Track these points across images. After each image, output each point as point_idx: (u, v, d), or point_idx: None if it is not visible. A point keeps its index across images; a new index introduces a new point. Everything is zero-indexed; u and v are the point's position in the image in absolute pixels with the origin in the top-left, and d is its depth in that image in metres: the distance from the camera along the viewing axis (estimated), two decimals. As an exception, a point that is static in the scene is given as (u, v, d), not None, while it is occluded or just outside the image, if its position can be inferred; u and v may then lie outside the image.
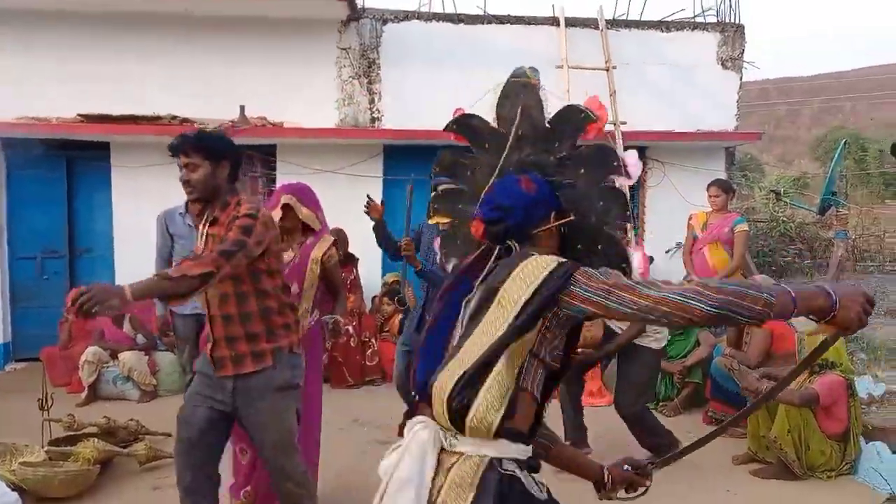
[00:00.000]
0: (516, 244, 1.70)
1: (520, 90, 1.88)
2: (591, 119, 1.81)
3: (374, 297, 7.15)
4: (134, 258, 6.72)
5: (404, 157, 7.57)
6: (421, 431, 1.60)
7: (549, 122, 1.85)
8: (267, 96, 7.35)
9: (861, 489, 3.95)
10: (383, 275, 7.48)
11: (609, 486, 1.84)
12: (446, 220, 2.03)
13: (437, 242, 2.05)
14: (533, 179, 1.76)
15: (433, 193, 2.11)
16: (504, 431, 1.55)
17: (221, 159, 2.78)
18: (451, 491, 1.54)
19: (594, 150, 1.81)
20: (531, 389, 1.62)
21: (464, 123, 1.99)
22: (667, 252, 7.78)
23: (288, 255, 3.54)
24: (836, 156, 6.91)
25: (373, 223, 4.27)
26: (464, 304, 1.68)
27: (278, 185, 7.70)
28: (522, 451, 1.62)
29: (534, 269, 1.57)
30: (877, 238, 14.79)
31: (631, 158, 1.84)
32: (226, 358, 2.76)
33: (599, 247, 1.78)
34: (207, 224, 2.82)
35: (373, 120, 7.72)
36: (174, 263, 4.88)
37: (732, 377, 4.65)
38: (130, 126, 6.97)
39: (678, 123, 7.95)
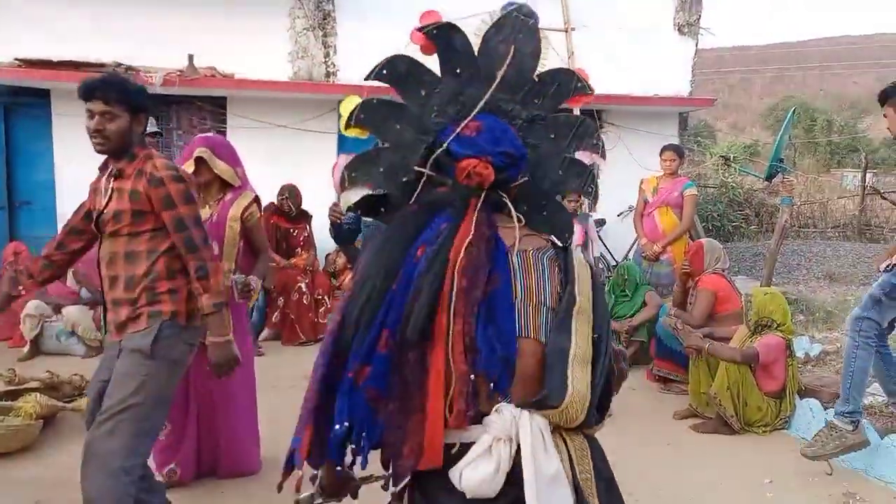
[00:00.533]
0: (507, 197, 1.57)
1: (520, 27, 1.65)
2: (586, 91, 1.71)
3: (328, 254, 7.09)
4: (77, 211, 6.52)
5: (360, 113, 7.46)
6: (532, 420, 1.39)
7: (537, 76, 1.68)
8: (217, 46, 7.13)
9: (793, 443, 4.14)
10: (337, 232, 7.43)
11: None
12: (366, 135, 1.65)
13: (341, 159, 1.63)
14: None
15: (361, 100, 1.64)
16: None
17: (140, 112, 2.59)
18: (581, 462, 1.47)
19: (576, 120, 1.74)
20: None
21: (445, 34, 1.62)
22: (619, 215, 7.91)
23: (205, 213, 3.30)
24: (786, 123, 7.02)
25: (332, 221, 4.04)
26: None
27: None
28: None
29: (582, 271, 1.54)
30: (821, 205, 15.28)
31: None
32: (111, 322, 2.59)
33: (545, 213, 1.71)
34: (112, 178, 2.58)
35: (327, 74, 7.56)
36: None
37: (676, 336, 4.79)
38: (72, 73, 6.68)
39: (634, 87, 8.00)
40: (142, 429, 2.44)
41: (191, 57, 6.93)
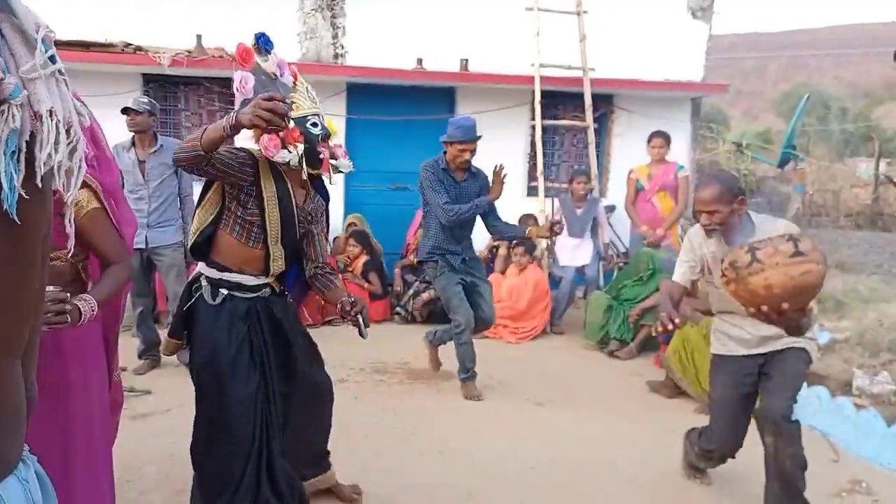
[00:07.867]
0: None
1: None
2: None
3: (336, 237, 7.08)
4: (86, 191, 6.52)
5: (369, 95, 7.41)
6: None
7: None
8: (225, 26, 7.07)
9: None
10: (345, 216, 7.42)
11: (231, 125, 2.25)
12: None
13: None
14: None
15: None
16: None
17: None
18: None
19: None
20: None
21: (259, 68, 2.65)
22: (629, 201, 7.81)
23: None
24: (799, 110, 6.96)
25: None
26: None
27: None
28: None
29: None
30: (833, 194, 15.11)
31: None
32: None
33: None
34: None
35: (336, 56, 7.51)
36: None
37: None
38: (80, 53, 6.66)
39: (646, 72, 7.91)
40: None
41: (199, 37, 6.89)
